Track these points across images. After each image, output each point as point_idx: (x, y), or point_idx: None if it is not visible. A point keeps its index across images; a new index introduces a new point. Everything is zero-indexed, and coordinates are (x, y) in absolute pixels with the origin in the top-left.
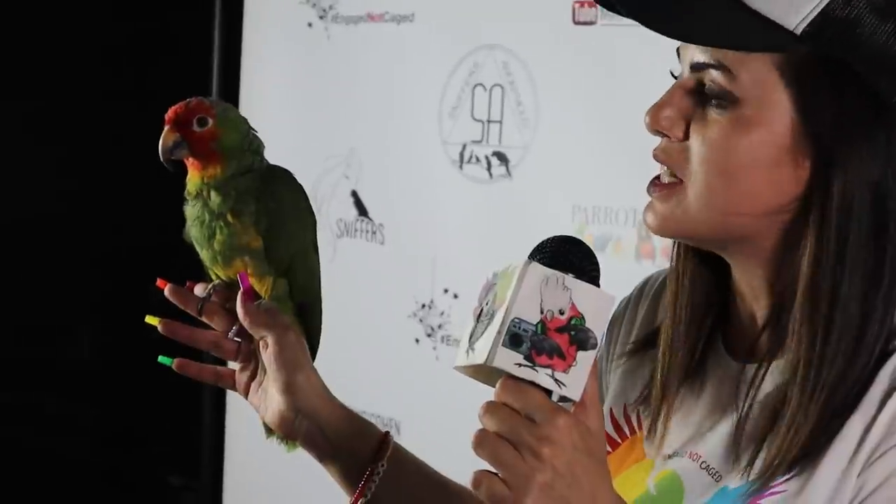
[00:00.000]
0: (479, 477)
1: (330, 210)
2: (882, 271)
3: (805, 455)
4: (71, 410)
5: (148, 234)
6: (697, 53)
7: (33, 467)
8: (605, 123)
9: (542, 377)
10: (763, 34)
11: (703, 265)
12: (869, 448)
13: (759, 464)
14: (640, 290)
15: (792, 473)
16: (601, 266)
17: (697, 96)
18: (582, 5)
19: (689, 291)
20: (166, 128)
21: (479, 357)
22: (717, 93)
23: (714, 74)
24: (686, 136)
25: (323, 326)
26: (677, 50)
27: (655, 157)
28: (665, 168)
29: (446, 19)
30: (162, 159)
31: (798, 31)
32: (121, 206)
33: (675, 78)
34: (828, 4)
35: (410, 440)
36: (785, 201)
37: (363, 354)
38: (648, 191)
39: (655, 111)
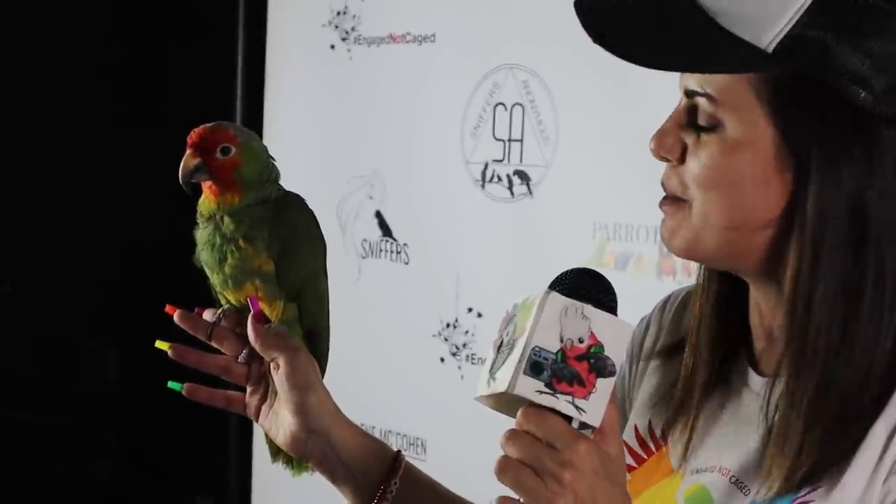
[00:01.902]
0: (502, 502)
1: (354, 231)
2: (863, 282)
3: (829, 464)
4: (96, 432)
5: (173, 258)
6: (689, 81)
7: (58, 490)
8: (625, 141)
9: (563, 404)
10: (738, 55)
11: (726, 282)
12: (893, 454)
13: (775, 481)
14: (662, 308)
15: (818, 483)
16: (623, 282)
17: (692, 121)
18: None
19: (714, 308)
20: (188, 151)
21: (500, 386)
22: (705, 117)
23: (701, 101)
24: (684, 160)
25: (343, 347)
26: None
27: (662, 182)
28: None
29: (467, 39)
30: (181, 181)
31: (770, 50)
32: (147, 230)
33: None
34: (797, 23)
35: (436, 459)
36: (775, 215)
37: (388, 374)
38: (660, 206)
39: (657, 138)
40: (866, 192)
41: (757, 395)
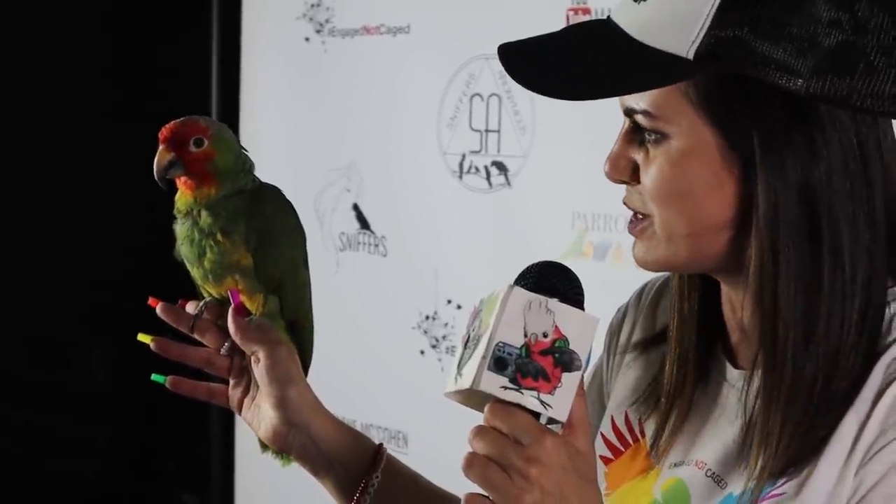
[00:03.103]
0: (470, 499)
1: (332, 224)
2: (821, 269)
3: (801, 456)
4: (83, 431)
5: (160, 254)
6: (626, 100)
7: (46, 488)
8: (603, 130)
9: (528, 399)
10: (663, 69)
11: (699, 280)
12: (864, 446)
13: (754, 474)
14: (638, 297)
15: (790, 475)
16: (602, 272)
17: (638, 139)
18: (576, 13)
19: (691, 305)
20: (161, 147)
21: (465, 382)
22: (649, 133)
23: (640, 118)
24: (639, 179)
25: (322, 341)
26: None
27: (624, 201)
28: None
29: (442, 30)
30: (156, 178)
31: (691, 57)
32: (133, 227)
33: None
34: (711, 25)
35: (417, 452)
36: (732, 214)
37: (368, 367)
38: (629, 231)
39: (609, 162)
40: (813, 176)
41: (734, 388)
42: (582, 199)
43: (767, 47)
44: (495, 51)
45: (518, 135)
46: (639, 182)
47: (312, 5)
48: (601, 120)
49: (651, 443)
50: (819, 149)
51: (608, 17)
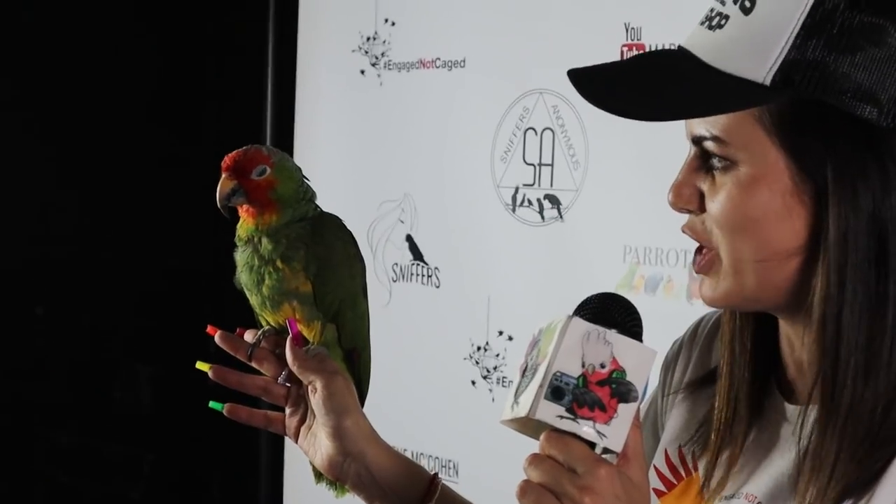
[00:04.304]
0: None
1: (385, 254)
2: (885, 300)
3: (857, 487)
4: (130, 455)
5: (207, 279)
6: (694, 128)
7: None
8: (655, 164)
9: (584, 429)
10: (738, 94)
11: (754, 319)
12: None
13: (809, 498)
14: (694, 332)
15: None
16: (653, 306)
17: (704, 166)
18: (630, 49)
19: (744, 338)
20: (224, 175)
21: (522, 410)
22: (717, 160)
23: (710, 144)
24: (704, 207)
25: (375, 369)
26: None
27: (685, 229)
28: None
29: (497, 64)
30: (219, 205)
31: (768, 83)
32: (181, 251)
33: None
34: (788, 52)
35: (468, 481)
36: (801, 242)
37: (420, 397)
38: (694, 270)
39: (673, 191)
40: (885, 207)
41: (789, 423)
42: (633, 233)
43: (845, 74)
44: (550, 85)
45: (571, 169)
46: (703, 211)
47: (368, 38)
48: (653, 155)
49: (703, 478)
50: (892, 179)
51: (679, 46)
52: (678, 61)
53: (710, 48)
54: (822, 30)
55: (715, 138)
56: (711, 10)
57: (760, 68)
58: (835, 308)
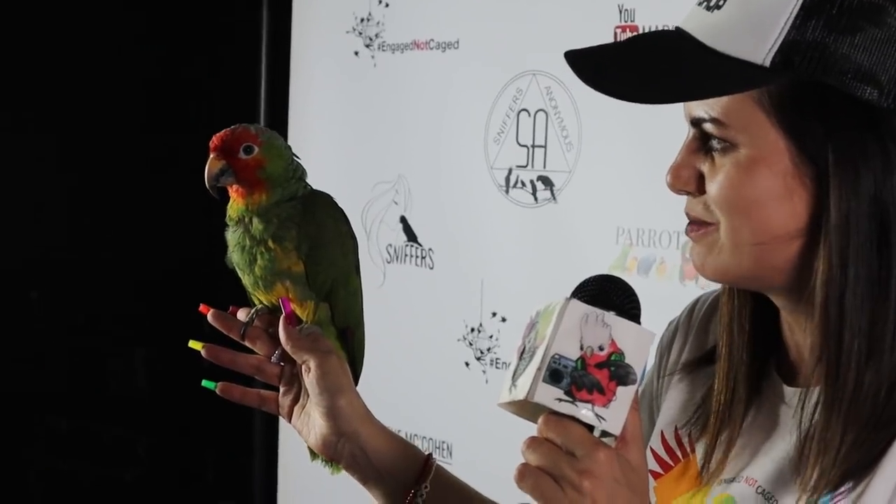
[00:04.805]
0: None
1: (379, 236)
2: (888, 282)
3: (858, 470)
4: (125, 439)
5: (201, 260)
6: (693, 110)
7: (88, 496)
8: (648, 146)
9: (583, 412)
10: (737, 75)
11: (752, 299)
12: None
13: (810, 485)
14: (690, 313)
15: (845, 491)
16: (646, 287)
17: (703, 148)
18: (623, 30)
19: (743, 320)
20: (212, 155)
21: (520, 393)
22: (716, 142)
23: (709, 126)
24: (703, 189)
25: (368, 351)
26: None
27: (686, 211)
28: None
29: (490, 46)
30: (207, 186)
31: (767, 64)
32: (173, 233)
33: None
34: (788, 33)
35: (462, 463)
36: (801, 224)
37: (414, 378)
38: (686, 233)
39: (672, 172)
40: (886, 188)
41: (788, 406)
42: (627, 215)
43: (845, 54)
44: (543, 67)
45: (564, 150)
46: (703, 192)
47: (362, 20)
48: (646, 137)
49: (702, 460)
50: (893, 161)
51: (676, 27)
52: (676, 42)
53: (708, 29)
54: (821, 10)
55: (714, 120)
56: None
57: (760, 49)
58: (837, 291)
